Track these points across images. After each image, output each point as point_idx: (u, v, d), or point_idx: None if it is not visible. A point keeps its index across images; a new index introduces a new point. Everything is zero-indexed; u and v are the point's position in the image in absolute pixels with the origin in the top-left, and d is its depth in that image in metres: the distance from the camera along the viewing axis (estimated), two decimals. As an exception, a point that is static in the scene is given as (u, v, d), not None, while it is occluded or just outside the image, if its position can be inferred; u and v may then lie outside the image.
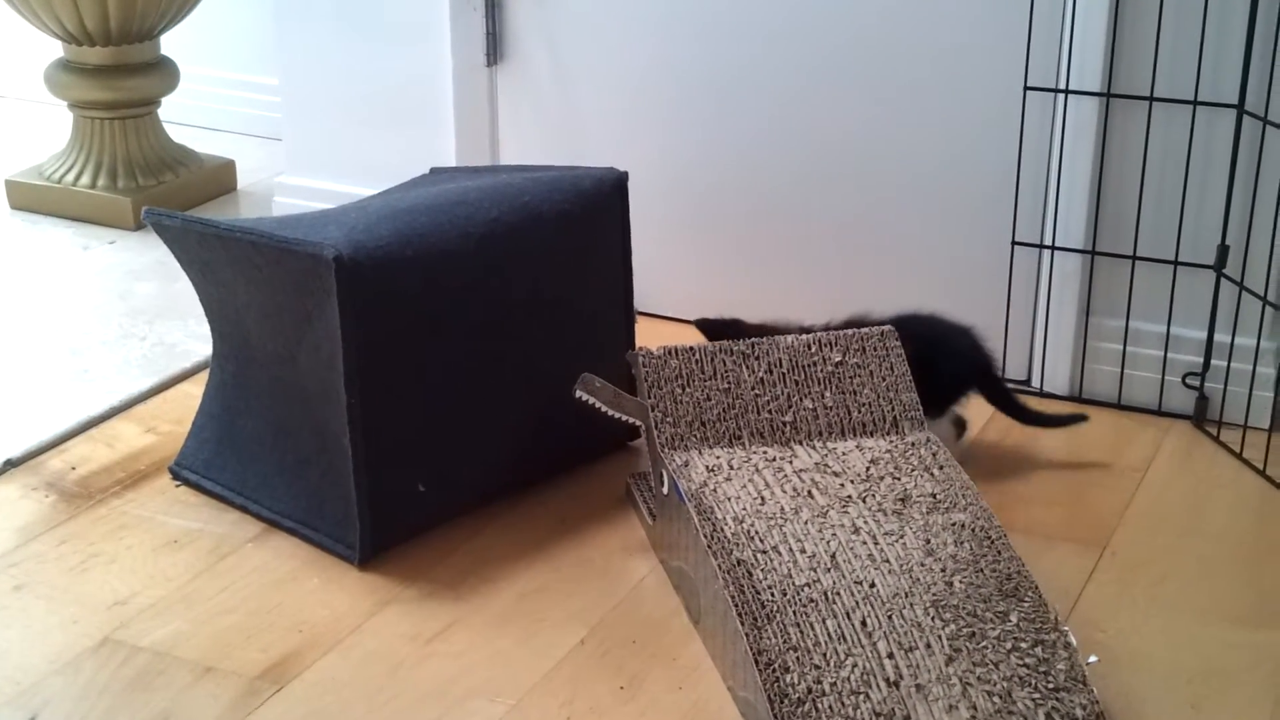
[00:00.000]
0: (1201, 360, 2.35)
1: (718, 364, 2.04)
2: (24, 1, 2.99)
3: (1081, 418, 2.29)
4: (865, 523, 1.86)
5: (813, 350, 2.07)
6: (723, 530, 1.83)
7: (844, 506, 1.89)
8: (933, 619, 1.72)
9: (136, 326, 2.67)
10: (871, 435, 2.03)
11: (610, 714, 1.76)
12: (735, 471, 1.94)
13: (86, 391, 2.44)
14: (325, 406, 2.00)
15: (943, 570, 1.79)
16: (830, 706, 1.62)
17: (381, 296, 1.96)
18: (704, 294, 2.51)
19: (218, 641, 1.87)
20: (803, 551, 1.81)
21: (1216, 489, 2.22)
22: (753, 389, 2.04)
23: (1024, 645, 1.70)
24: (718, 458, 1.97)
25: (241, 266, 2.05)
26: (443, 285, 2.02)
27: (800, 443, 2.02)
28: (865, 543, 1.83)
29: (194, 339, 2.58)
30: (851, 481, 1.94)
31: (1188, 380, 2.37)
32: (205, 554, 2.04)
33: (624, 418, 2.02)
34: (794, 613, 1.72)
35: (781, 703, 1.63)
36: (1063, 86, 2.31)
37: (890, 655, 1.68)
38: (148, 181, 3.12)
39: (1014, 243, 2.40)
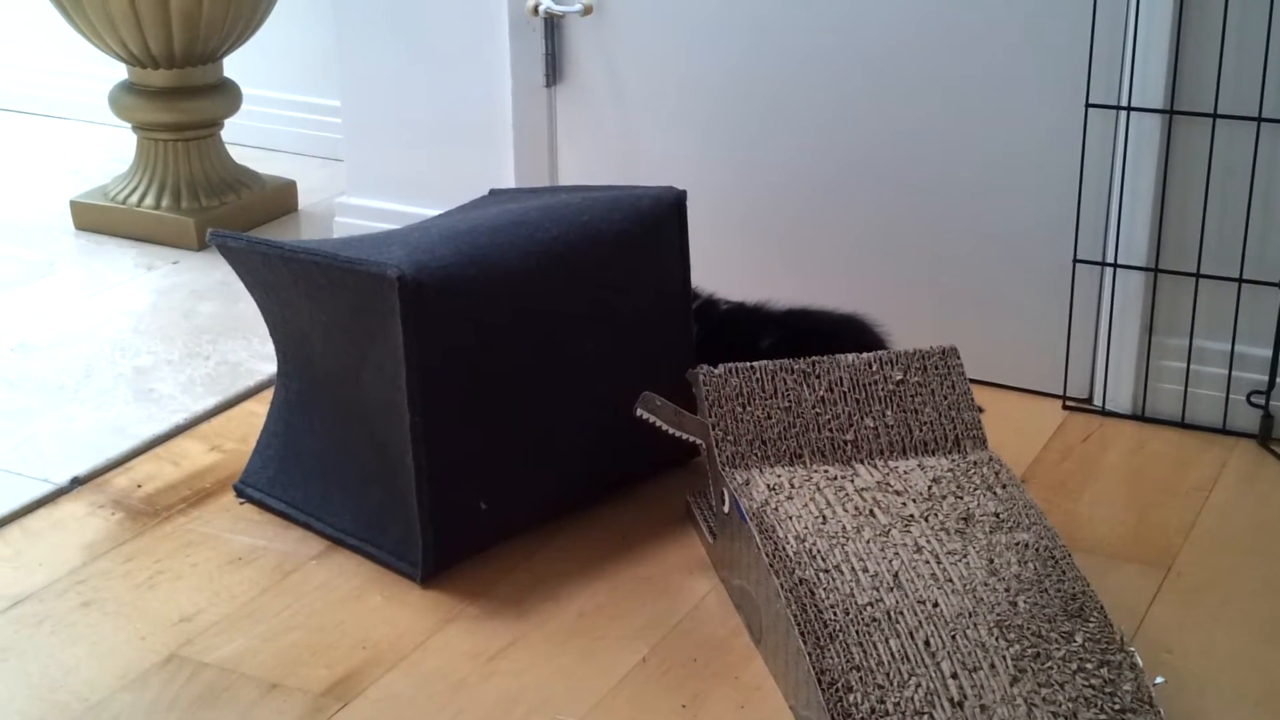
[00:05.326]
0: (1266, 378, 2.33)
1: (778, 382, 2.04)
2: (89, 25, 3.03)
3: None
4: (928, 542, 1.86)
5: (874, 369, 2.07)
6: (784, 549, 1.83)
7: (906, 525, 1.89)
8: (997, 639, 1.71)
9: (201, 346, 2.69)
10: (933, 454, 2.03)
11: (672, 733, 1.76)
12: (796, 490, 1.94)
13: (152, 410, 2.47)
14: (388, 425, 2.01)
15: (1006, 590, 1.78)
16: (894, 726, 1.62)
17: (444, 316, 1.97)
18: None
19: (282, 658, 1.89)
20: (865, 570, 1.80)
21: (1283, 508, 2.20)
22: (813, 407, 2.03)
23: (1089, 666, 1.69)
24: (779, 476, 1.97)
25: (305, 287, 2.07)
26: (504, 304, 2.03)
27: (861, 461, 2.01)
28: (928, 562, 1.82)
29: (258, 358, 2.61)
30: (914, 500, 1.93)
31: (1252, 399, 2.34)
32: (269, 571, 2.06)
33: (685, 436, 2.02)
34: (857, 632, 1.72)
35: (845, 722, 1.63)
36: (1125, 103, 2.30)
37: (954, 675, 1.67)
38: (210, 202, 3.15)
39: (1076, 260, 2.39)
